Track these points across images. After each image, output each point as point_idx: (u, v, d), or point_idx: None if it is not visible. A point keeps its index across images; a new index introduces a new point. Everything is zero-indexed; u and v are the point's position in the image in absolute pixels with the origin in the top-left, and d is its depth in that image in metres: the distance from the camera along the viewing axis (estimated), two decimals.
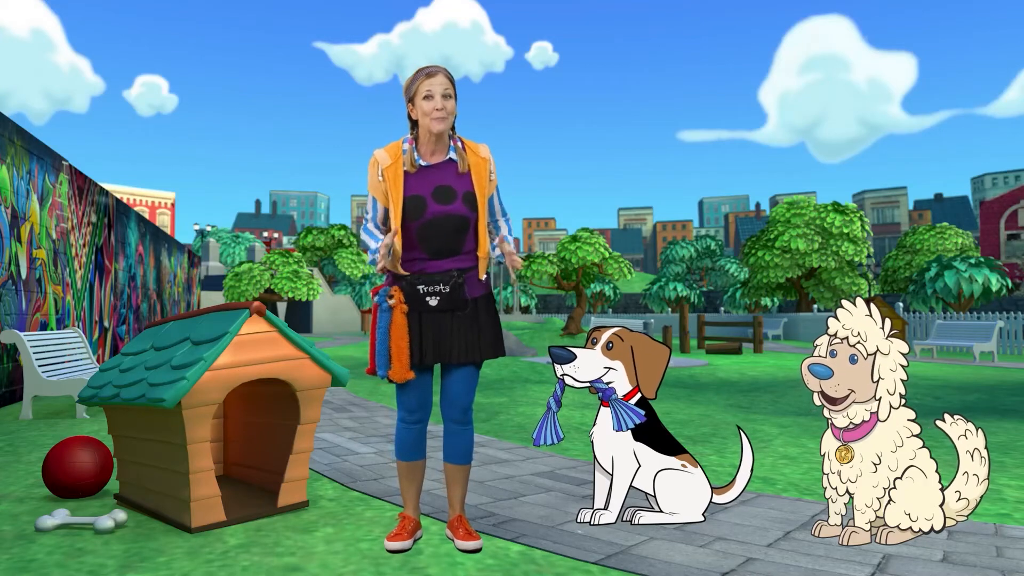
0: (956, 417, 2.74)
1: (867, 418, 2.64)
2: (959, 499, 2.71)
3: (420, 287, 2.57)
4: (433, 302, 2.58)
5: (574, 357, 2.92)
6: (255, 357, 2.99)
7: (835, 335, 2.68)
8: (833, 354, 2.66)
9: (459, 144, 2.65)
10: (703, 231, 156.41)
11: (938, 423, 2.76)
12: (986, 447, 2.70)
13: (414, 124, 2.62)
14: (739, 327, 23.10)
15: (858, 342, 2.62)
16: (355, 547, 2.70)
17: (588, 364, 2.93)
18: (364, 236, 2.65)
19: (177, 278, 17.83)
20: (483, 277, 2.67)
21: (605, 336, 2.97)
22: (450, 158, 2.62)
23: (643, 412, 2.88)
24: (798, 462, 4.35)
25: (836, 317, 2.69)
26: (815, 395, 2.71)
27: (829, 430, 2.75)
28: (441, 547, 2.69)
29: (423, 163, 2.60)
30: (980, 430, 2.72)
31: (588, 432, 5.04)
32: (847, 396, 2.63)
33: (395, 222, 2.55)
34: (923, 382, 9.56)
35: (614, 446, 2.94)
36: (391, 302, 2.56)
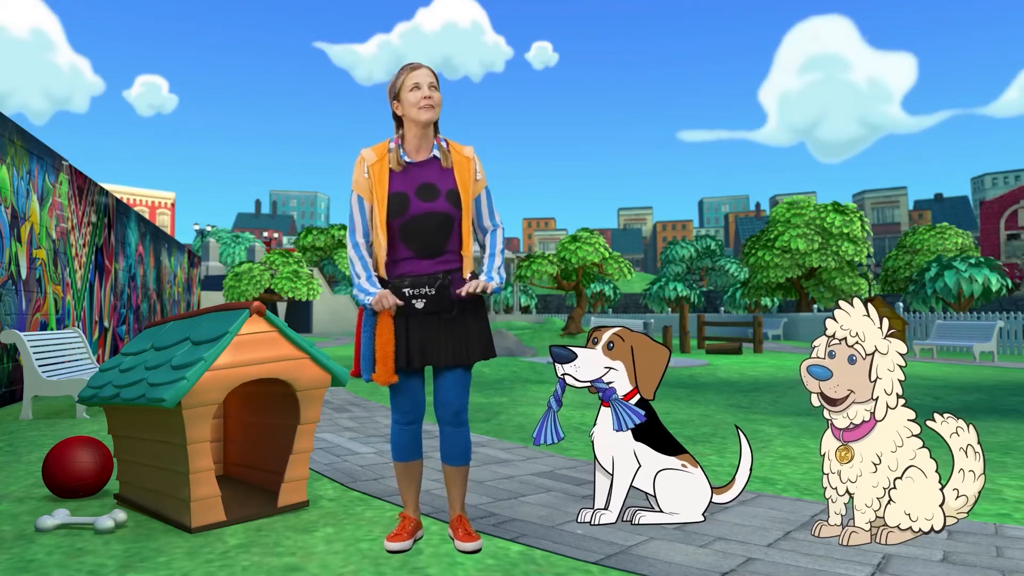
0: (946, 416, 2.75)
1: (867, 419, 2.64)
2: (958, 496, 2.71)
3: (406, 290, 2.57)
4: (419, 304, 2.57)
5: (575, 356, 2.92)
6: (255, 357, 2.99)
7: (833, 336, 2.68)
8: (832, 355, 2.66)
9: (443, 144, 2.65)
10: (703, 231, 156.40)
11: (929, 423, 2.77)
12: (979, 442, 2.70)
13: (399, 123, 2.63)
14: (739, 327, 23.11)
15: (856, 342, 2.62)
16: (355, 547, 2.70)
17: (589, 364, 2.93)
18: (354, 271, 2.61)
19: (177, 278, 17.82)
20: (467, 276, 2.64)
21: (606, 336, 2.97)
22: (434, 155, 2.63)
23: (643, 412, 2.88)
24: (798, 462, 4.35)
25: (834, 318, 2.68)
26: (814, 396, 2.71)
27: (829, 430, 2.75)
28: (441, 547, 2.69)
29: (408, 160, 2.61)
30: (971, 426, 2.73)
31: (588, 432, 5.05)
32: (847, 396, 2.63)
33: (380, 219, 2.56)
34: (923, 382, 9.56)
35: (614, 446, 2.94)
36: None
